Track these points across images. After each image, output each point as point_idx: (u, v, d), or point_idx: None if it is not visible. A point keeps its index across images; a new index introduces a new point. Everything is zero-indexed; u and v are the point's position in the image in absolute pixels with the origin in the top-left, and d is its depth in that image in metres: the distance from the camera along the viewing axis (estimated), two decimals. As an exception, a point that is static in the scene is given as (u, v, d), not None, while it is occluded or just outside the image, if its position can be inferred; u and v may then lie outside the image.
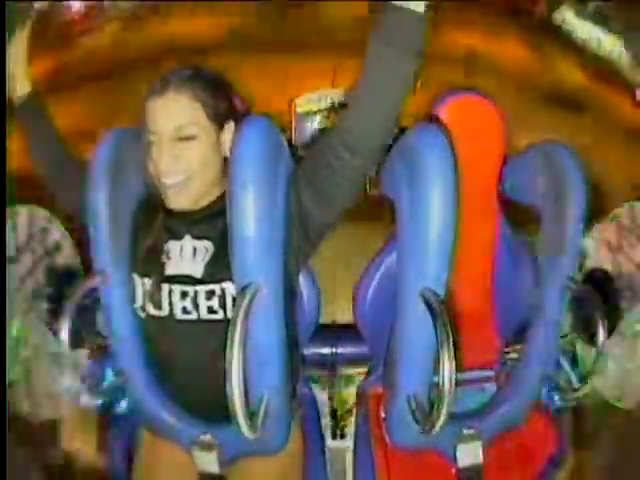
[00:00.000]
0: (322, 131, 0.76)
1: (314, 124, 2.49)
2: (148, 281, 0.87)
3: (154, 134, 0.82)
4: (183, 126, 0.81)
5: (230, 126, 0.86)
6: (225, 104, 0.87)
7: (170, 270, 0.87)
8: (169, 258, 0.88)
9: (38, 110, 0.99)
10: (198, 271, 0.86)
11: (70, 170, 0.99)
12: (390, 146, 0.95)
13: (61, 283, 1.44)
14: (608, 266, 1.31)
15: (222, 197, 0.87)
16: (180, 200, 0.85)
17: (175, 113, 0.82)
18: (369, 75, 0.73)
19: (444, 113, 1.03)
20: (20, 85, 0.96)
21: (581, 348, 1.17)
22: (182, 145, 0.82)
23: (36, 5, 0.98)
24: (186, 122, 0.82)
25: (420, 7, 0.69)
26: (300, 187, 0.82)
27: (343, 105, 2.48)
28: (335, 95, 2.50)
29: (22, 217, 1.43)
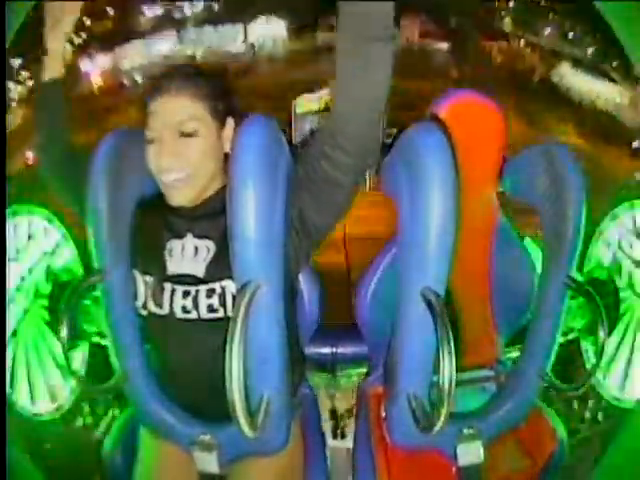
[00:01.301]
0: (311, 135, 0.76)
1: (314, 124, 2.49)
2: (149, 278, 0.88)
3: (155, 131, 0.83)
4: (184, 121, 0.82)
5: (230, 122, 0.87)
6: (225, 101, 0.88)
7: (172, 269, 0.88)
8: (171, 257, 0.88)
9: (59, 98, 0.97)
10: (200, 271, 0.86)
11: (69, 168, 0.98)
12: (390, 146, 0.95)
13: (61, 283, 1.44)
14: (608, 265, 1.31)
15: (223, 193, 0.87)
16: (181, 197, 0.85)
17: (177, 110, 0.82)
18: (340, 67, 0.72)
19: (444, 113, 1.03)
20: (52, 67, 0.94)
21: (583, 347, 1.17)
22: (183, 141, 0.82)
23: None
24: (187, 117, 0.82)
25: None
26: (297, 193, 0.82)
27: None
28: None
29: (22, 217, 1.43)
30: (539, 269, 1.03)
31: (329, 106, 2.46)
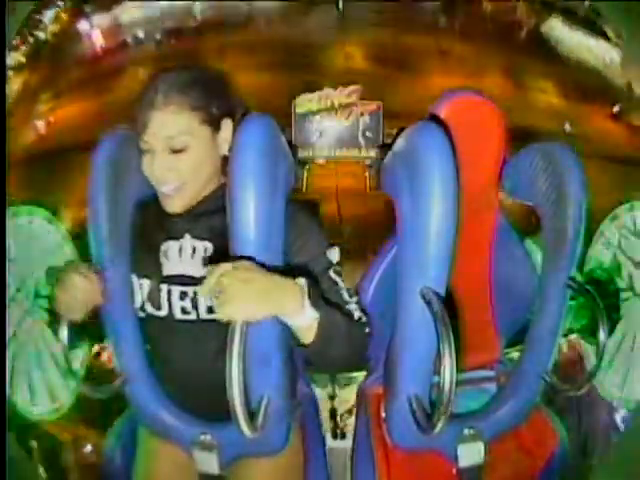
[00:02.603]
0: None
1: (314, 124, 2.50)
2: (146, 281, 0.87)
3: (147, 143, 0.82)
4: (174, 137, 0.80)
5: (227, 123, 0.86)
6: (219, 103, 0.85)
7: (168, 270, 0.87)
8: (167, 258, 0.88)
9: None
10: (197, 271, 0.86)
11: None
12: (390, 145, 0.95)
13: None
14: (608, 266, 1.31)
15: (220, 191, 0.87)
16: (175, 205, 0.85)
17: (165, 124, 0.80)
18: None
19: (444, 113, 1.03)
20: None
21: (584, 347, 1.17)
22: (174, 157, 0.81)
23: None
24: (176, 132, 0.80)
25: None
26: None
27: (343, 105, 2.50)
28: (335, 95, 2.51)
29: (22, 217, 1.43)
30: (539, 269, 1.03)
31: (331, 106, 2.47)
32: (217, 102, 0.85)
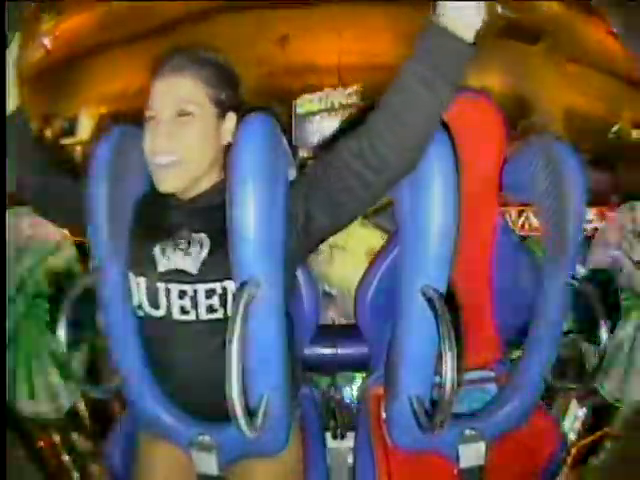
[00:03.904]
0: (336, 144, 0.73)
1: (314, 124, 2.50)
2: (142, 280, 0.87)
3: (154, 110, 0.82)
4: (182, 101, 0.81)
5: (232, 117, 0.86)
6: (229, 93, 0.86)
7: (163, 266, 0.86)
8: (162, 254, 0.87)
9: (24, 125, 0.95)
10: (193, 267, 0.85)
11: (55, 186, 0.98)
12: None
13: (61, 283, 1.44)
14: (608, 265, 1.31)
15: (220, 187, 0.86)
16: (171, 181, 0.83)
17: (177, 88, 0.82)
18: (409, 95, 0.70)
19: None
20: (10, 99, 0.91)
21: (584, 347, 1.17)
22: (179, 122, 0.82)
23: None
24: (186, 98, 0.82)
25: (469, 34, 0.67)
26: (309, 199, 0.80)
27: (343, 106, 2.50)
28: (335, 95, 2.51)
29: (22, 217, 1.43)
30: (539, 269, 1.03)
31: (331, 106, 2.47)
32: (227, 91, 0.86)
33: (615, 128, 1.88)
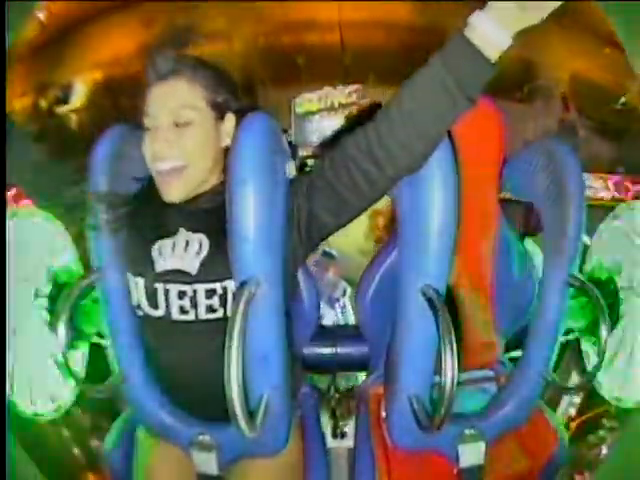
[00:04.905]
0: (340, 140, 0.73)
1: (313, 123, 2.50)
2: (140, 280, 0.86)
3: (152, 118, 0.82)
4: (180, 109, 0.81)
5: (230, 117, 0.86)
6: (226, 95, 0.86)
7: (161, 267, 0.86)
8: (160, 254, 0.86)
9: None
10: (192, 267, 0.84)
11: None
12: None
13: (61, 283, 1.44)
14: (608, 265, 1.31)
15: (220, 189, 0.86)
16: (173, 192, 0.83)
17: (173, 95, 0.81)
18: (429, 97, 0.71)
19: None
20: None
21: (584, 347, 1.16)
22: (178, 131, 0.81)
23: None
24: (183, 104, 0.81)
25: (495, 55, 0.68)
26: (313, 198, 0.81)
27: (343, 105, 2.49)
28: (335, 95, 2.51)
29: (22, 217, 1.43)
30: (539, 269, 1.03)
31: (331, 106, 2.47)
32: (224, 93, 0.85)
33: (622, 100, 1.87)
